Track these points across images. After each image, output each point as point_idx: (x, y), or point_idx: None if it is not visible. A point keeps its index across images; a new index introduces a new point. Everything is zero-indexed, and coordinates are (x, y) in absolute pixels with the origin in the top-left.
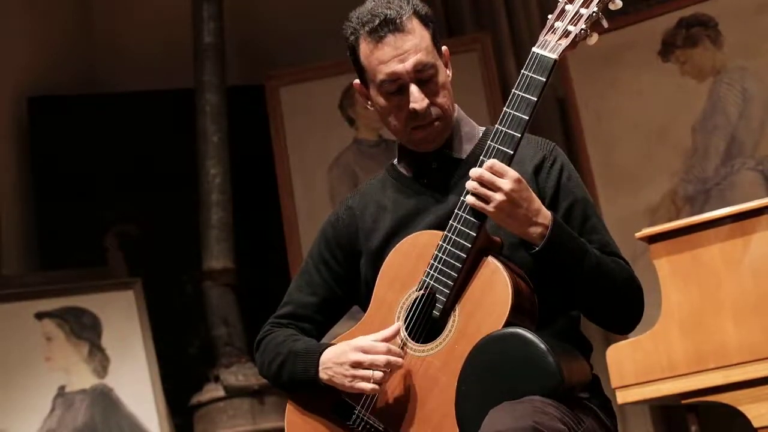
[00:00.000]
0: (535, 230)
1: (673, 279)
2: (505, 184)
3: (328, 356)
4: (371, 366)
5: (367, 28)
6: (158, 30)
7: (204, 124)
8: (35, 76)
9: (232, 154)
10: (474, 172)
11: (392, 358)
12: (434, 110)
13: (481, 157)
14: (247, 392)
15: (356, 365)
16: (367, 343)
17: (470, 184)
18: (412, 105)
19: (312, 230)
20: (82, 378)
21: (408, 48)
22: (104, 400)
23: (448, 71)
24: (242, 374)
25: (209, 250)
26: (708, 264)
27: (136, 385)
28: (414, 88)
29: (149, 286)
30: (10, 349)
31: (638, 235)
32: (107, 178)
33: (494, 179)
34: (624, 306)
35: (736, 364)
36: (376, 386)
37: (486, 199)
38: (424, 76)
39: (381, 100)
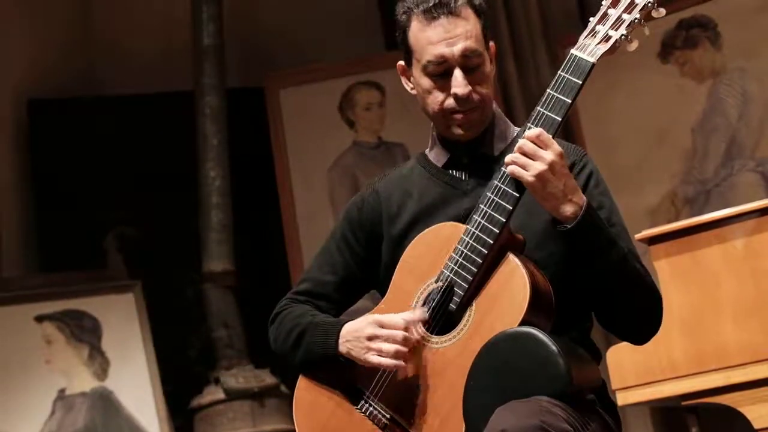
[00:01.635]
0: (569, 208)
1: (673, 280)
2: (548, 154)
3: (348, 329)
4: (388, 340)
5: (421, 8)
6: (158, 32)
7: (204, 126)
8: (35, 78)
9: (232, 156)
10: (518, 142)
11: (409, 334)
12: (475, 98)
13: (524, 132)
14: (247, 395)
15: (372, 338)
16: (387, 318)
17: (510, 156)
18: (454, 89)
19: (312, 232)
20: (82, 381)
21: (459, 33)
22: (104, 402)
23: (492, 66)
24: (242, 376)
25: (209, 252)
26: (708, 265)
27: (136, 387)
28: (458, 73)
29: (149, 289)
30: (10, 351)
31: (638, 236)
32: (107, 180)
33: (537, 149)
34: (646, 307)
35: (736, 366)
36: (390, 361)
37: (525, 167)
38: (470, 63)
39: (424, 81)
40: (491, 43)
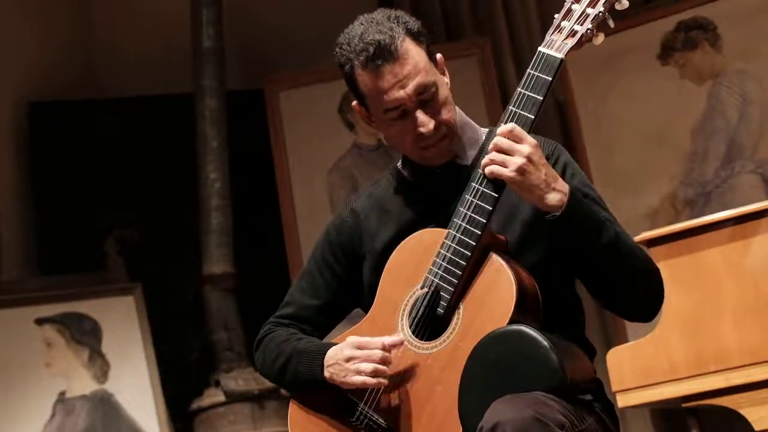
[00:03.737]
0: (554, 197)
1: (673, 282)
2: (524, 147)
3: (330, 355)
4: (366, 360)
5: (361, 58)
6: (158, 35)
7: (203, 129)
8: (36, 80)
9: (232, 158)
10: (493, 141)
11: (386, 354)
12: (441, 128)
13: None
14: (247, 397)
15: (351, 359)
16: (364, 339)
17: (487, 157)
18: (419, 129)
19: (311, 234)
20: (83, 383)
21: (407, 73)
22: (104, 405)
23: (446, 78)
24: (242, 379)
25: (209, 254)
26: (708, 267)
27: (136, 390)
28: (419, 113)
29: (149, 291)
30: (10, 354)
31: (638, 238)
32: (107, 182)
33: (512, 144)
34: (645, 284)
35: (736, 368)
36: (368, 379)
37: (504, 164)
38: (426, 96)
39: (386, 126)
40: (438, 56)
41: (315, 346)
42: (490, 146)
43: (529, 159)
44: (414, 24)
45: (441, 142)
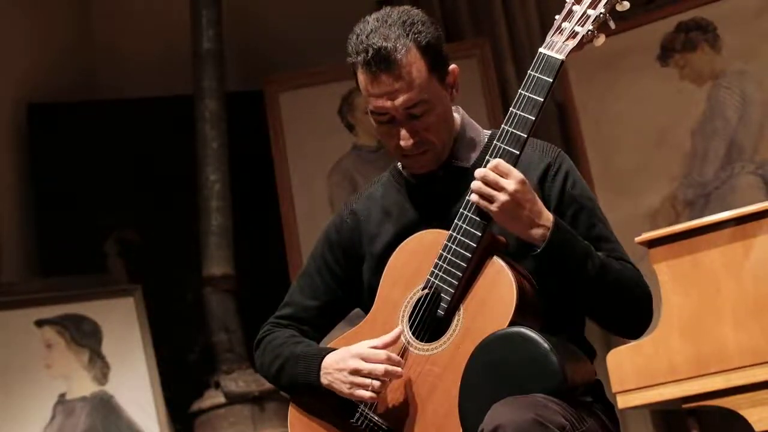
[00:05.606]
0: (537, 232)
1: (673, 283)
2: (509, 184)
3: (329, 362)
4: (369, 375)
5: (360, 58)
6: (158, 36)
7: (203, 130)
8: (35, 82)
9: (232, 159)
10: (479, 172)
11: (390, 368)
12: (423, 144)
13: (487, 157)
14: (247, 398)
15: (355, 372)
16: (367, 350)
17: (475, 184)
18: (399, 142)
19: (312, 236)
20: (83, 385)
21: (399, 87)
22: (105, 407)
23: (453, 93)
24: (243, 380)
25: (209, 256)
26: (708, 268)
27: (136, 391)
28: (403, 130)
29: (149, 293)
30: (10, 356)
31: (638, 239)
32: (107, 184)
33: (498, 179)
34: (631, 309)
35: (736, 368)
36: (373, 394)
37: (490, 199)
38: (414, 112)
39: (374, 124)
40: (451, 68)
41: (313, 351)
42: (476, 174)
43: (513, 196)
44: (425, 36)
45: (421, 156)
